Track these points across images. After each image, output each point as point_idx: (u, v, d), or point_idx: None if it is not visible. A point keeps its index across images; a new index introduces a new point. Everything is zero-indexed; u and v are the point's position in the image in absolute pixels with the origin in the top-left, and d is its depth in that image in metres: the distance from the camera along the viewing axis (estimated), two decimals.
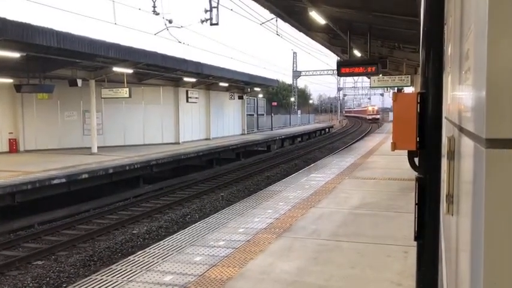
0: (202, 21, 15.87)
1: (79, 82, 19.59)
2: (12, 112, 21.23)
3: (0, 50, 13.74)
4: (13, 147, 21.17)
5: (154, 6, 16.80)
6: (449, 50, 2.80)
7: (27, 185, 13.03)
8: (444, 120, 2.86)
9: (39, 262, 9.93)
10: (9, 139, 21.16)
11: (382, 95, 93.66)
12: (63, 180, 14.26)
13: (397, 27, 11.89)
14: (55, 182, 13.94)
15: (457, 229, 1.88)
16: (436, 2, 2.14)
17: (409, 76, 19.23)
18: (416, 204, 2.14)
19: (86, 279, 5.08)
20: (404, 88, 21.01)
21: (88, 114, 22.18)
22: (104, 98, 21.42)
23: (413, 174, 2.35)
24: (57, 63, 17.32)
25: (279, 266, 5.22)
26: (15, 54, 14.42)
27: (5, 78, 19.13)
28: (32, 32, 13.73)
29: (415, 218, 2.16)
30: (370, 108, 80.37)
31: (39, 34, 13.97)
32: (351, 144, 27.75)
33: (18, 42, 13.61)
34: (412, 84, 19.68)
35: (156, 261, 5.47)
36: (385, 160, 15.35)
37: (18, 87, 19.10)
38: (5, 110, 20.89)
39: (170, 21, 19.00)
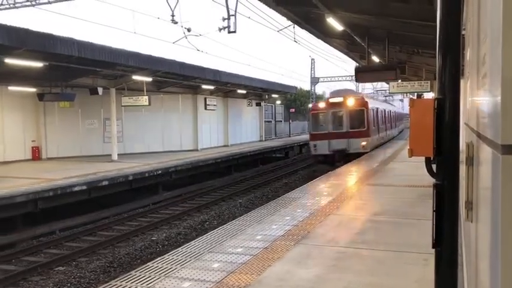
0: (220, 29, 15.97)
1: (100, 90, 19.92)
2: (35, 120, 21.69)
3: (23, 60, 14.08)
4: (36, 154, 21.60)
5: (172, 15, 16.98)
6: (467, 55, 2.78)
7: (49, 192, 13.26)
8: (463, 126, 2.83)
9: (61, 268, 10.08)
10: (32, 147, 21.60)
11: (401, 100, 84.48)
12: (84, 187, 14.47)
13: (416, 32, 11.78)
14: (76, 189, 14.16)
15: (476, 236, 1.85)
16: (453, 8, 2.12)
17: (429, 82, 18.99)
18: (434, 211, 2.12)
19: (105, 285, 5.13)
20: (424, 94, 20.78)
21: (108, 122, 22.50)
22: (124, 106, 21.72)
23: (432, 180, 2.33)
24: (78, 72, 17.65)
25: (296, 273, 5.19)
26: (38, 64, 14.76)
27: (29, 88, 19.58)
28: (54, 42, 14.04)
29: (433, 224, 2.14)
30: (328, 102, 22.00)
31: (61, 44, 14.28)
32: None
33: (41, 52, 13.93)
34: (431, 89, 19.44)
35: (174, 268, 5.50)
36: (404, 166, 15.17)
37: (40, 96, 19.55)
38: (28, 118, 21.35)
39: (189, 30, 19.18)
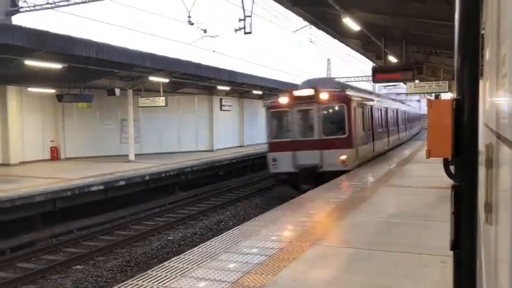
0: (236, 30, 16.06)
1: (117, 91, 20.16)
2: (53, 121, 22.04)
3: (43, 62, 14.32)
4: (54, 154, 21.94)
5: (189, 17, 17.14)
6: (487, 55, 2.74)
7: (68, 191, 13.46)
8: (482, 127, 2.79)
9: (79, 267, 10.22)
10: (51, 147, 21.94)
11: (419, 101, 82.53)
12: (101, 187, 14.65)
13: (433, 32, 11.66)
14: (93, 189, 14.34)
15: (495, 238, 1.83)
16: (472, 7, 2.10)
17: (447, 82, 18.75)
18: (452, 213, 2.10)
19: (122, 284, 5.18)
20: (442, 94, 20.53)
21: (125, 123, 22.74)
22: (141, 107, 21.93)
23: (451, 182, 2.30)
24: (96, 73, 17.88)
25: (312, 274, 5.18)
26: (58, 66, 14.99)
27: (48, 89, 19.90)
28: (73, 44, 14.24)
29: (451, 227, 2.12)
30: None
31: (79, 45, 14.48)
32: (386, 152, 27.22)
33: (60, 53, 14.15)
34: (450, 90, 19.20)
35: (190, 268, 5.53)
36: (422, 168, 15.00)
37: (59, 97, 19.88)
38: (47, 119, 21.70)
39: (205, 31, 19.34)
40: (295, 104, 14.84)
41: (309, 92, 14.77)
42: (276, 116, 15.63)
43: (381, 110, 20.55)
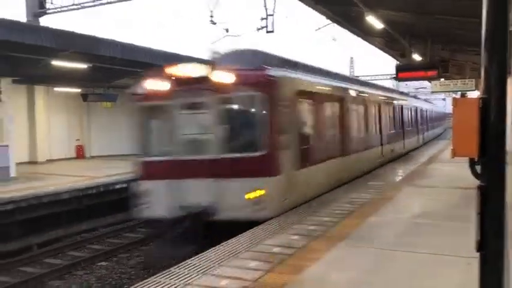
0: (258, 29, 16.07)
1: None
2: (78, 120, 22.48)
3: (70, 62, 14.61)
4: (80, 153, 22.37)
5: (211, 16, 17.23)
6: None
7: (93, 189, 13.70)
8: (510, 127, 2.72)
9: (103, 263, 10.38)
10: (76, 146, 22.38)
11: (444, 99, 79.87)
12: (125, 185, 14.85)
13: (459, 29, 11.44)
14: (118, 186, 14.55)
15: None
16: (500, 3, 2.05)
17: (473, 80, 18.36)
18: (478, 213, 2.05)
19: (145, 281, 5.25)
20: (468, 93, 20.12)
21: None
22: None
23: (476, 182, 2.25)
24: (120, 73, 18.14)
25: (333, 274, 5.15)
26: (83, 66, 15.28)
27: (74, 88, 20.31)
28: (98, 44, 14.49)
29: (476, 227, 2.07)
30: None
31: (104, 46, 14.73)
32: (410, 151, 26.82)
33: (86, 54, 14.41)
34: (476, 88, 18.81)
35: (212, 266, 5.56)
36: (447, 167, 14.73)
37: (84, 97, 20.28)
38: (72, 118, 22.15)
39: (227, 30, 19.40)
40: (177, 93, 8.34)
41: (197, 70, 8.27)
42: (149, 114, 9.16)
43: (366, 106, 13.95)
